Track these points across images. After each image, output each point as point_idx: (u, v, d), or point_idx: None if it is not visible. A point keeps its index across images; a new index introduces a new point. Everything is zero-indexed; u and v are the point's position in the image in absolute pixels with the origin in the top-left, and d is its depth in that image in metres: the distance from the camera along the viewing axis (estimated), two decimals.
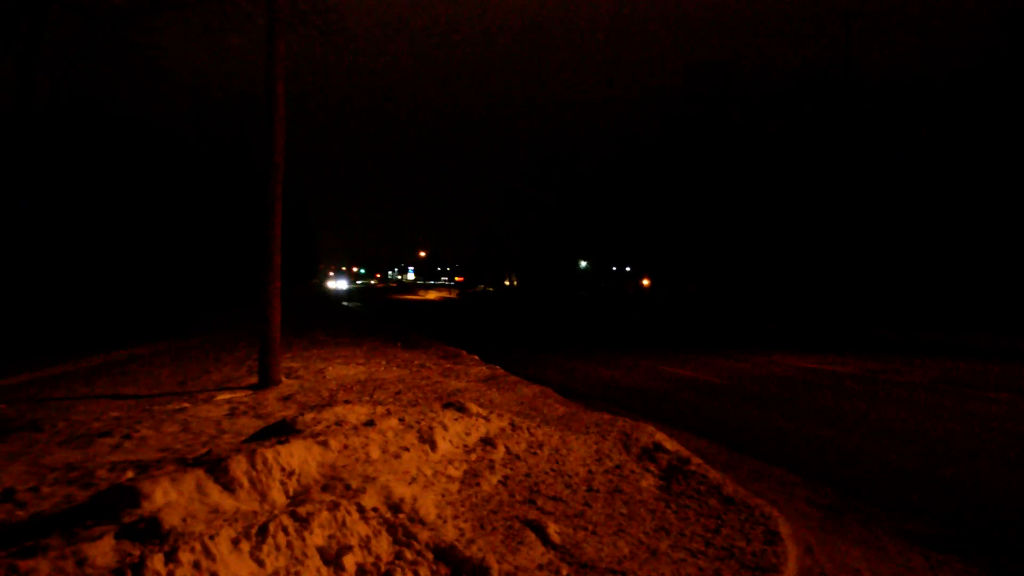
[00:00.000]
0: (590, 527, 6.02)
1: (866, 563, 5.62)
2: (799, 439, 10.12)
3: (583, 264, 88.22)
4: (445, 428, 8.19)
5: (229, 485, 5.57)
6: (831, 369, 17.46)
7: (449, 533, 5.50)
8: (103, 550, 4.33)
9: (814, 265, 43.87)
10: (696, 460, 8.07)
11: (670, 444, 8.67)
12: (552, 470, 7.58)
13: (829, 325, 32.97)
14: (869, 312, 35.78)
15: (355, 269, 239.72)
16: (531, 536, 5.68)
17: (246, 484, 5.66)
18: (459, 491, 6.73)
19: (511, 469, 7.53)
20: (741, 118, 52.30)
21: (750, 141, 50.20)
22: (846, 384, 15.10)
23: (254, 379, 14.58)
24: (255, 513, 5.20)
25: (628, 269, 78.70)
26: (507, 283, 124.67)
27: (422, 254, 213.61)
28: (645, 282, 73.43)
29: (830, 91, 42.96)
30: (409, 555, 4.99)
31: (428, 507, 5.96)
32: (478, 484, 6.94)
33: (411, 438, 7.68)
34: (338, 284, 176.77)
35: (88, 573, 4.08)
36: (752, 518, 6.26)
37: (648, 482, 7.37)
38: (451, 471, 7.20)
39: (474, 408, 9.32)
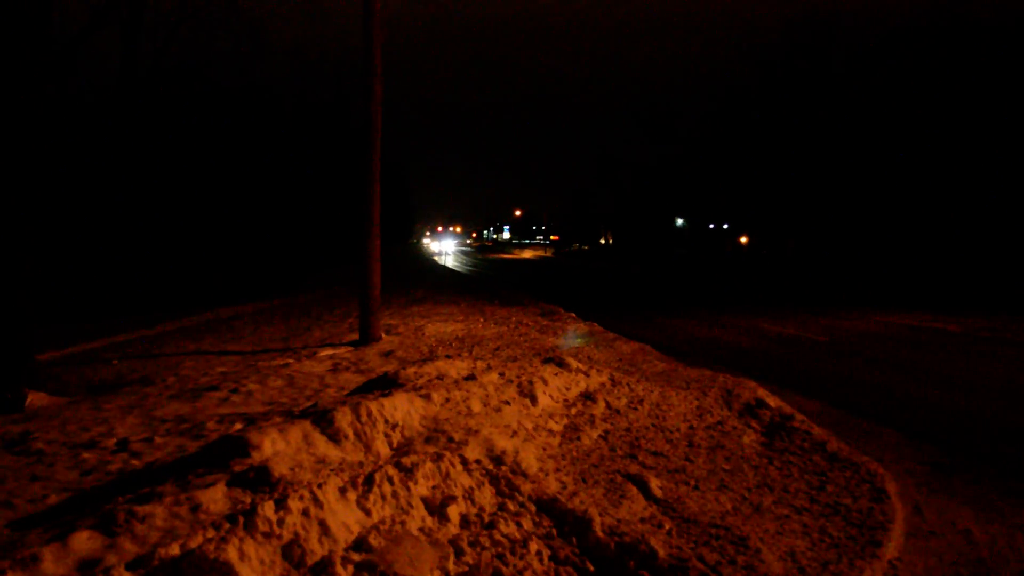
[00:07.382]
0: (692, 482, 5.96)
1: (976, 523, 5.41)
2: (905, 397, 9.81)
3: (679, 222, 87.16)
4: (545, 383, 8.20)
5: (335, 436, 5.68)
6: (936, 327, 16.89)
7: (551, 486, 5.50)
8: (215, 497, 4.45)
9: (918, 223, 42.42)
10: (799, 416, 7.92)
11: (772, 400, 8.51)
12: (653, 425, 7.52)
13: (932, 284, 31.92)
14: (977, 272, 34.47)
15: (451, 229, 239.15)
16: (633, 490, 5.65)
17: (351, 435, 5.77)
18: (560, 445, 6.73)
19: (611, 424, 7.50)
20: (843, 71, 50.68)
21: (851, 95, 48.60)
22: (952, 342, 14.60)
23: (355, 336, 14.82)
24: (360, 464, 5.29)
25: (725, 227, 77.56)
26: (602, 241, 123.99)
27: (517, 213, 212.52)
28: (743, 240, 72.30)
29: (935, 40, 41.23)
30: (512, 506, 5.01)
31: (530, 460, 5.98)
32: (579, 438, 6.93)
33: (511, 392, 7.71)
34: (442, 244, 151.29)
35: (201, 519, 4.19)
36: (858, 475, 6.11)
37: (750, 438, 7.26)
38: (552, 425, 7.21)
39: (574, 363, 9.31)
